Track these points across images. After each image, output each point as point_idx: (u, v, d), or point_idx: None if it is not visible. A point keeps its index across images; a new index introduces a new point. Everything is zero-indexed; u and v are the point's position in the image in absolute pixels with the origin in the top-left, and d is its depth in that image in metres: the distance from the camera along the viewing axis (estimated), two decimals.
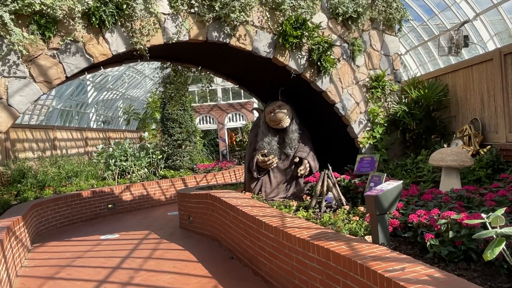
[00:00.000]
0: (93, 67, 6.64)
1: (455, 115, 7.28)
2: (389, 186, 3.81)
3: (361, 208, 5.03)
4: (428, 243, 3.38)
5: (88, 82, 19.16)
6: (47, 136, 14.65)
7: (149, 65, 18.74)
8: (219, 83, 25.62)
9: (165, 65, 8.07)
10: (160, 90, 15.33)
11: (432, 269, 2.93)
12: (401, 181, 3.87)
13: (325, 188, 5.79)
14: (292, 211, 5.68)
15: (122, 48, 5.69)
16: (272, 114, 7.05)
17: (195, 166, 14.81)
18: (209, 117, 25.67)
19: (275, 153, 7.07)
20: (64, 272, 6.14)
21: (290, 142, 7.10)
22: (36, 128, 14.30)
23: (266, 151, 7.02)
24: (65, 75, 5.40)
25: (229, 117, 25.61)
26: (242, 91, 26.11)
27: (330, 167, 6.01)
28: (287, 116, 7.05)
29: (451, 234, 3.29)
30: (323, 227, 4.46)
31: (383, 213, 3.75)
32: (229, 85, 25.90)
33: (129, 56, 6.45)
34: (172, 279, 5.43)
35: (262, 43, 6.49)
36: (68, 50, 5.39)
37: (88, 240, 8.32)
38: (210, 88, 8.43)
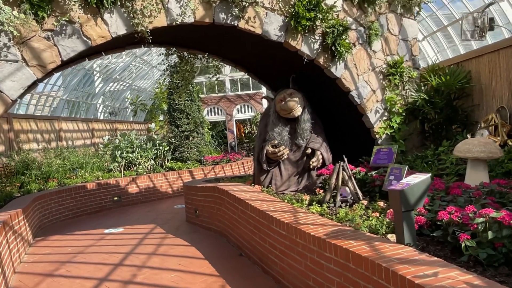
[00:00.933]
0: (93, 53, 6.27)
1: (479, 103, 6.82)
2: (415, 180, 3.40)
3: (381, 203, 4.62)
4: (463, 245, 2.97)
5: (95, 73, 18.89)
6: (53, 127, 14.39)
7: (157, 52, 18.34)
8: (227, 74, 25.24)
9: (170, 51, 7.68)
10: (167, 80, 15.03)
11: (470, 275, 2.53)
12: (429, 175, 3.45)
13: (340, 181, 5.39)
14: (305, 205, 5.30)
15: (122, 30, 5.30)
16: (283, 102, 6.64)
17: (202, 158, 14.47)
18: (217, 108, 25.31)
19: (286, 144, 6.68)
20: (64, 269, 5.83)
21: (301, 132, 6.70)
22: (41, 119, 14.04)
23: (276, 142, 6.63)
24: (60, 58, 5.03)
25: (238, 108, 25.22)
26: (251, 82, 25.70)
27: (345, 159, 5.61)
28: (299, 105, 6.64)
29: (490, 234, 2.88)
30: (340, 224, 4.08)
31: (410, 209, 3.35)
32: (237, 75, 25.53)
33: (131, 41, 6.07)
34: (177, 278, 5.08)
35: (272, 26, 6.07)
36: (64, 32, 5.01)
37: (91, 234, 8.02)
38: (217, 78, 7.99)
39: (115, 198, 11.15)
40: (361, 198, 5.34)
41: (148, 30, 5.41)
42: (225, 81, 25.49)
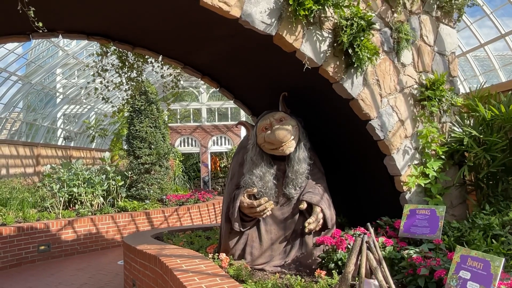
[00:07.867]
0: None
1: None
2: None
3: None
4: None
5: (57, 94, 16.49)
6: None
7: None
8: (204, 102, 23.07)
9: (107, 49, 5.36)
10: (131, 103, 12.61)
11: None
12: None
13: (364, 269, 3.09)
14: None
15: None
16: (269, 132, 4.40)
17: (165, 196, 11.97)
18: (191, 139, 22.94)
19: (271, 194, 4.39)
20: None
21: (295, 177, 4.44)
22: None
23: (256, 190, 4.33)
24: None
25: (214, 140, 22.90)
26: (229, 112, 23.52)
27: (371, 229, 3.33)
28: (292, 137, 4.40)
29: None
30: None
31: None
32: (215, 105, 23.37)
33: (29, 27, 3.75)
34: None
35: (258, 7, 3.82)
36: None
37: None
38: (178, 81, 5.72)
39: (42, 248, 8.54)
40: None
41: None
42: (201, 110, 23.27)
